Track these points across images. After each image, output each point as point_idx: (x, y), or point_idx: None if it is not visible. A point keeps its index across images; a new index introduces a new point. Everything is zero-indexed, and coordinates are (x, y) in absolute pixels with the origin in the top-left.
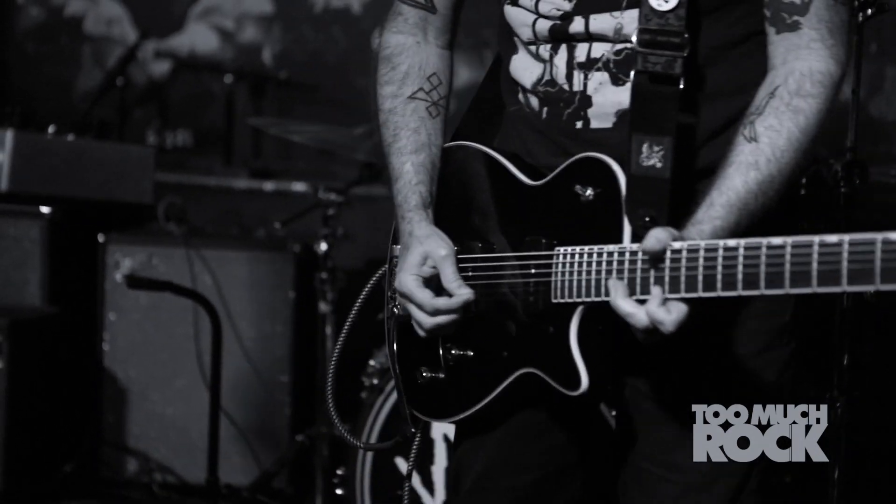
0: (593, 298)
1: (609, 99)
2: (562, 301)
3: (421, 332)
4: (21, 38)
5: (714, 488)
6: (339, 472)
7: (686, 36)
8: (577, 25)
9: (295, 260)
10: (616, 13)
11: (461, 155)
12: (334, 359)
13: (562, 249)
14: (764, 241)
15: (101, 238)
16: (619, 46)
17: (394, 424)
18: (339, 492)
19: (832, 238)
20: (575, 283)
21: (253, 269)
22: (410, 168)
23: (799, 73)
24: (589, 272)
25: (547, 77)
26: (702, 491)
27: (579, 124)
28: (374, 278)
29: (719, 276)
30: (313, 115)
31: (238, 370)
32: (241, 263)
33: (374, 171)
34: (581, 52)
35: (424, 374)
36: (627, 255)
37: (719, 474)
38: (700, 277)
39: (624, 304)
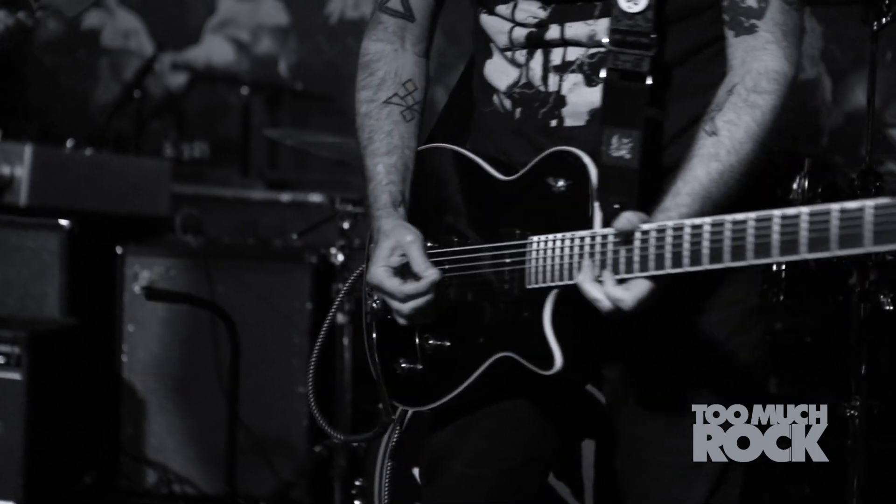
0: (566, 282)
1: (583, 98)
2: (536, 286)
3: (401, 321)
4: (39, 52)
5: (705, 466)
6: (357, 482)
7: (654, 36)
8: (553, 33)
9: (311, 271)
10: (590, 21)
11: (435, 156)
12: (315, 353)
13: (535, 238)
14: (728, 217)
15: (118, 250)
16: (593, 50)
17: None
18: (357, 503)
19: (792, 210)
20: (549, 269)
21: (270, 280)
22: (382, 169)
23: (756, 71)
24: (562, 257)
25: (523, 80)
26: (696, 468)
27: (554, 123)
28: (353, 277)
29: (686, 252)
30: (329, 125)
31: (256, 381)
32: (258, 274)
33: None
34: (556, 56)
35: (403, 366)
36: (599, 238)
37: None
38: (668, 255)
39: (588, 287)
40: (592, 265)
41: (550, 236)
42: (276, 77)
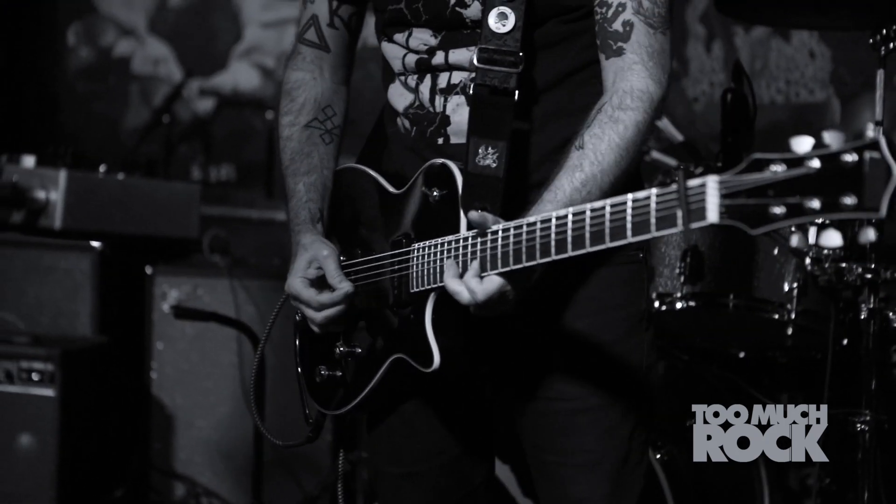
0: (438, 283)
1: (465, 118)
2: (418, 290)
3: (314, 328)
4: (72, 79)
5: (603, 464)
6: None
7: (521, 55)
8: (439, 58)
9: None
10: (472, 48)
11: (348, 176)
12: (255, 363)
13: (417, 245)
14: (552, 214)
15: (148, 270)
16: (474, 74)
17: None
18: None
19: (598, 203)
20: (426, 273)
21: None
22: (302, 188)
23: (622, 90)
24: (436, 261)
25: (416, 102)
26: (594, 468)
27: (440, 140)
28: (282, 300)
29: (523, 249)
30: (351, 148)
31: (280, 397)
32: (282, 293)
33: None
34: (443, 79)
35: (323, 372)
36: (461, 241)
37: (605, 452)
38: (511, 252)
39: (450, 282)
40: (455, 265)
41: (428, 242)
42: None
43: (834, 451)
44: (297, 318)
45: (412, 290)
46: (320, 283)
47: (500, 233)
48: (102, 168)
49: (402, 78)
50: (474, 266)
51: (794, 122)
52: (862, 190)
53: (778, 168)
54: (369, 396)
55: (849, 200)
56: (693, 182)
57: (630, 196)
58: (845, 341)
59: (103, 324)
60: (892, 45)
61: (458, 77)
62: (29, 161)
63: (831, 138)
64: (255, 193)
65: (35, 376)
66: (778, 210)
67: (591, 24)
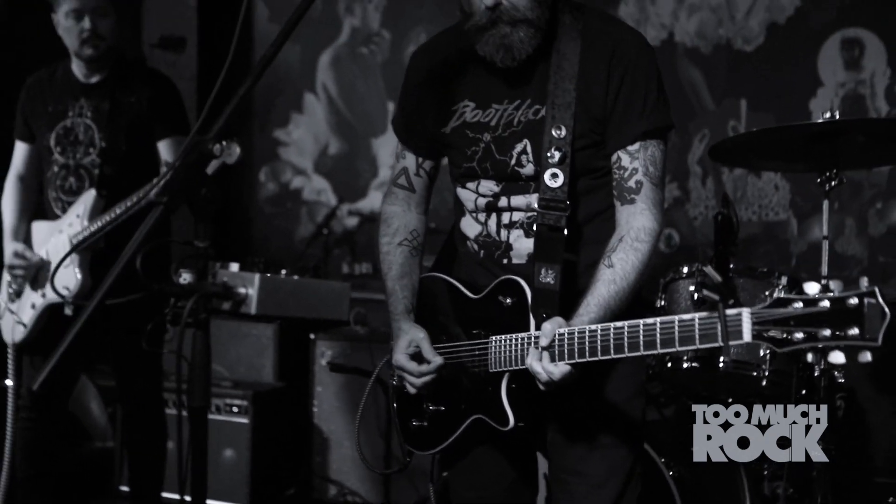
0: (514, 367)
1: (523, 246)
2: (496, 370)
3: (412, 391)
4: (261, 204)
5: (609, 483)
6: None
7: (568, 202)
8: (503, 202)
9: None
10: (527, 195)
11: (432, 282)
12: (361, 408)
13: (494, 337)
14: (611, 325)
15: (311, 336)
16: (529, 214)
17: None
18: None
19: (650, 320)
20: (503, 358)
21: None
22: (398, 288)
23: (637, 228)
24: (511, 350)
25: (485, 232)
26: (601, 486)
27: (505, 261)
28: (381, 362)
29: (587, 348)
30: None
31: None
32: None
33: None
34: (505, 217)
35: (414, 423)
36: (533, 338)
37: (611, 473)
38: (576, 349)
39: (535, 364)
40: (536, 352)
41: (503, 336)
42: None
43: (797, 469)
44: (393, 383)
45: (491, 370)
46: (418, 357)
47: (566, 334)
48: (283, 272)
49: (473, 214)
50: (546, 356)
51: (765, 234)
52: (863, 324)
53: (798, 305)
54: (452, 443)
55: (853, 332)
56: (731, 311)
57: (676, 318)
58: (804, 391)
59: (281, 373)
60: (833, 182)
61: (517, 216)
62: (234, 267)
63: (835, 285)
64: None
65: (235, 409)
66: (798, 336)
67: (609, 179)
